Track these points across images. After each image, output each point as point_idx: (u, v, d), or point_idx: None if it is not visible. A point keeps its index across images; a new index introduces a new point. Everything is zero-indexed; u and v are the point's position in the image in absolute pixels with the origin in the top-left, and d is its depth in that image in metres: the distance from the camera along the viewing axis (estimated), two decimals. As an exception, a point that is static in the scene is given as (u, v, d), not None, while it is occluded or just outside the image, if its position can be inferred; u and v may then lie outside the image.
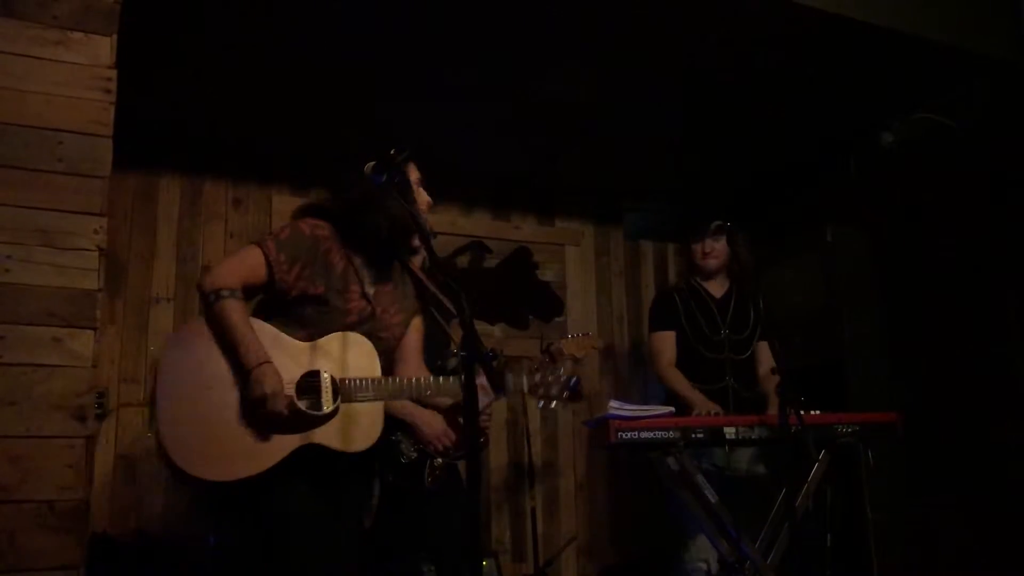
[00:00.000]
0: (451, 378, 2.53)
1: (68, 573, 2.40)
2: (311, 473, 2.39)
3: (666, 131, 4.75)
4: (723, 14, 3.61)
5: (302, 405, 2.36)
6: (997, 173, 4.08)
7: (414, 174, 2.74)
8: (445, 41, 3.77)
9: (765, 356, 3.93)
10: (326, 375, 2.40)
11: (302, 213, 2.68)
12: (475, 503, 2.27)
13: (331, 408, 2.38)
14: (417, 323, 2.80)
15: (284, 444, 2.34)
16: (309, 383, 2.41)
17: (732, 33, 3.75)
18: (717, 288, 4.06)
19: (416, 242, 2.68)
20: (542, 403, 2.68)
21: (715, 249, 3.99)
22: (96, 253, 2.61)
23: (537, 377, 2.69)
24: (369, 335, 2.56)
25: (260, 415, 2.34)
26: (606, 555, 5.20)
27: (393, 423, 3.22)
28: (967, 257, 4.20)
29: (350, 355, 2.47)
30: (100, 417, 4.13)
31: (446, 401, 3.04)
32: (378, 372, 2.52)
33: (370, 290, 2.63)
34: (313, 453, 2.38)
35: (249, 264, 2.49)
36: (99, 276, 2.60)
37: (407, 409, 3.22)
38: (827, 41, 3.82)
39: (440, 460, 3.27)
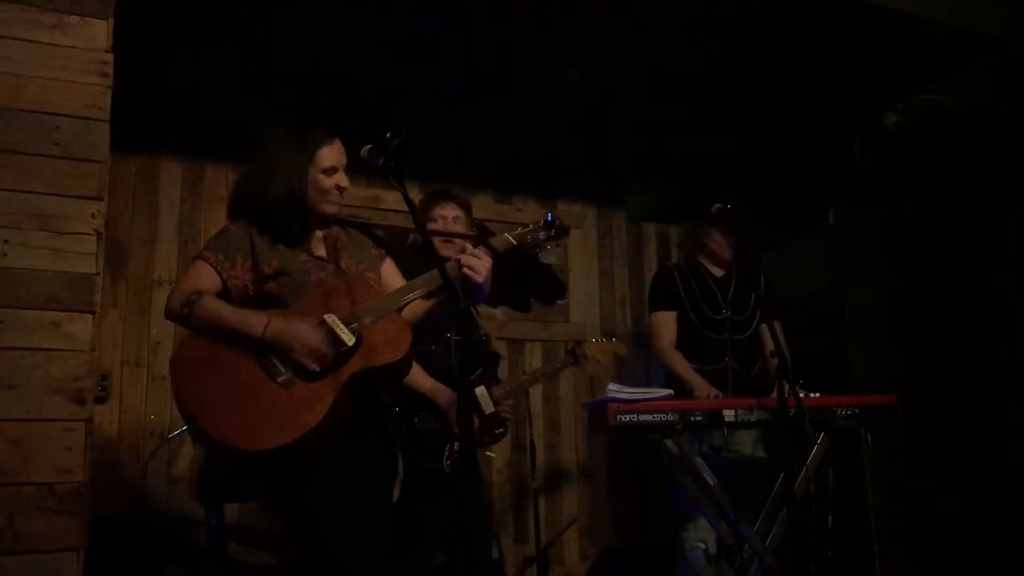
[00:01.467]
0: (431, 273, 2.47)
1: (68, 555, 2.43)
2: (346, 440, 2.38)
3: (668, 113, 4.73)
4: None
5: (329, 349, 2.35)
6: (1000, 154, 4.06)
7: (328, 159, 2.59)
8: (448, 25, 3.76)
9: (768, 337, 3.92)
10: (331, 318, 2.37)
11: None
12: (474, 489, 2.28)
13: (353, 340, 2.36)
14: (389, 265, 2.74)
15: (332, 384, 2.33)
16: (321, 333, 2.38)
17: (735, 14, 3.72)
18: (718, 268, 4.03)
19: (326, 209, 2.58)
20: (537, 252, 2.68)
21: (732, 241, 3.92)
22: (94, 237, 2.63)
23: (518, 231, 2.64)
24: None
25: (298, 369, 2.32)
26: (607, 537, 5.22)
27: (420, 403, 3.25)
28: (969, 239, 4.18)
29: (343, 298, 2.46)
30: (102, 400, 4.17)
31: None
32: (375, 296, 2.50)
33: (319, 252, 2.59)
34: (359, 391, 2.37)
35: (199, 274, 2.45)
36: (97, 260, 2.62)
37: (437, 390, 3.24)
38: (830, 22, 3.79)
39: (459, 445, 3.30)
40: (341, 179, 2.59)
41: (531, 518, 4.38)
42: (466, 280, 2.45)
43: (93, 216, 2.63)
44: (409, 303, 2.49)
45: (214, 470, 3.50)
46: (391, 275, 2.72)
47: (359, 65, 4.04)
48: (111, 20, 2.77)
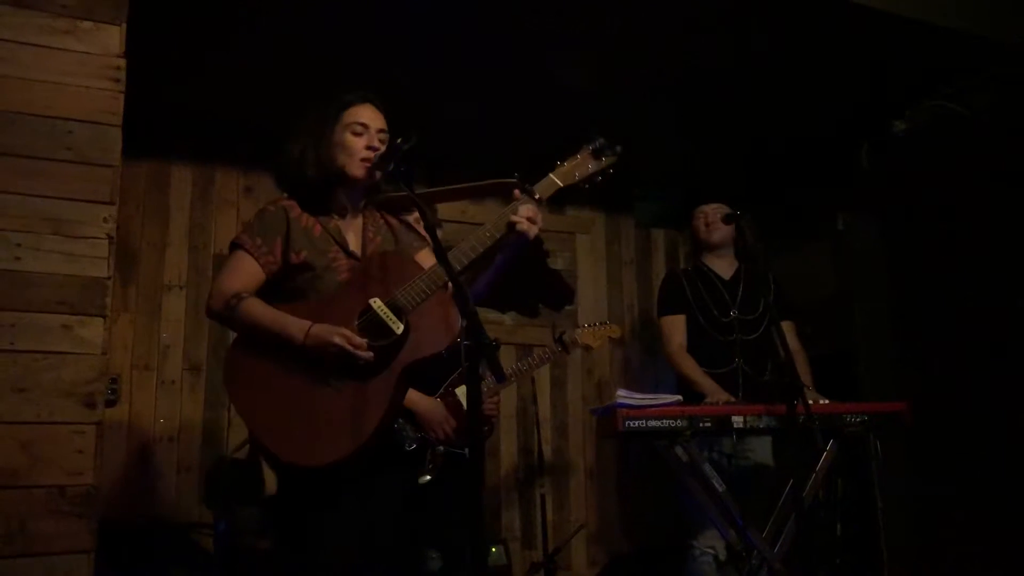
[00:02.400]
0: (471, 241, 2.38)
1: (78, 558, 2.43)
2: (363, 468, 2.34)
3: (677, 119, 4.73)
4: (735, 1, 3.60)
5: (376, 343, 2.27)
6: (1010, 161, 4.05)
7: (355, 116, 2.50)
8: (456, 29, 3.77)
9: (789, 337, 3.89)
10: (377, 303, 2.30)
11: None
12: (478, 490, 2.26)
13: (401, 328, 2.30)
14: (426, 253, 2.61)
15: (386, 381, 2.27)
16: (368, 320, 2.32)
17: (744, 20, 3.73)
18: (726, 269, 4.03)
19: (354, 171, 2.46)
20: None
21: (716, 221, 3.94)
22: (106, 241, 2.63)
23: (563, 166, 2.52)
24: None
25: (346, 371, 2.27)
26: (615, 543, 5.21)
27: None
28: (979, 245, 4.17)
29: (385, 275, 2.38)
30: (112, 403, 4.19)
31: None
32: (418, 269, 2.40)
33: (355, 249, 2.51)
34: (413, 378, 2.32)
35: (239, 268, 2.42)
36: (109, 264, 2.63)
37: (419, 403, 3.23)
38: (839, 28, 3.79)
39: (441, 448, 3.30)
40: (372, 140, 2.47)
41: (539, 524, 4.39)
42: (519, 235, 2.38)
43: (105, 220, 2.64)
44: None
45: (222, 475, 3.52)
46: (427, 261, 2.61)
47: (372, 72, 4.04)
48: (124, 26, 2.79)
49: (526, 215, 2.41)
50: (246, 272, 2.42)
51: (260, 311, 2.35)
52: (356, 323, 2.32)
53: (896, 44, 3.93)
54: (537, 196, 2.45)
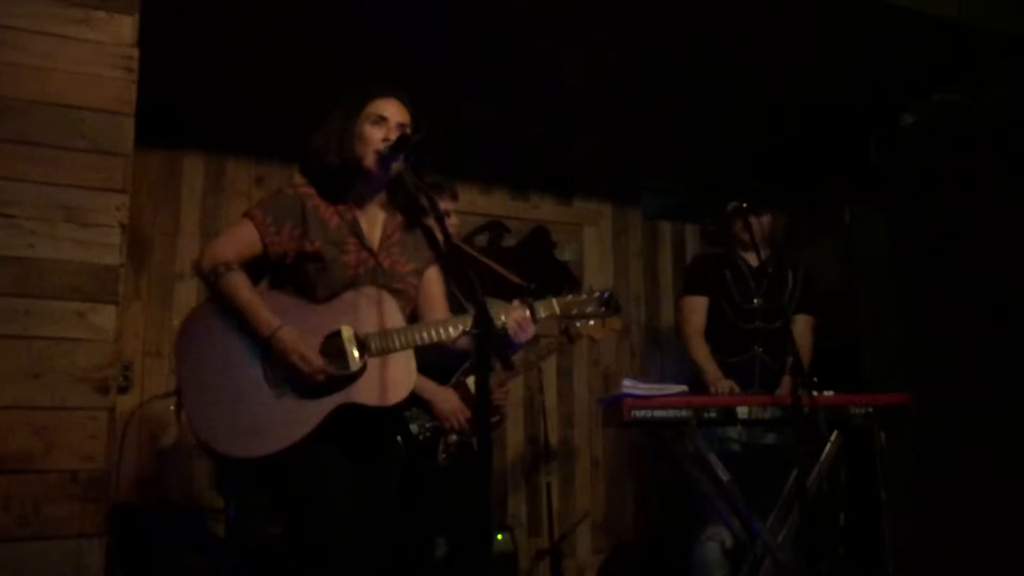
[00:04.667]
0: (467, 316, 2.43)
1: (91, 541, 2.46)
2: (343, 438, 2.36)
3: (685, 113, 4.74)
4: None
5: (330, 368, 2.31)
6: (1018, 154, 4.05)
7: (378, 108, 2.53)
8: (466, 22, 3.79)
9: (804, 331, 3.90)
10: (348, 332, 2.34)
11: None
12: (486, 478, 2.29)
13: (359, 366, 2.32)
14: (434, 272, 2.68)
15: (319, 409, 2.30)
16: (332, 344, 2.35)
17: (751, 13, 3.73)
18: (753, 258, 3.93)
19: (370, 163, 2.48)
20: (579, 323, 2.62)
21: (760, 223, 3.84)
22: (118, 229, 2.65)
23: (568, 298, 2.61)
24: (384, 288, 2.48)
25: (293, 381, 2.31)
26: (620, 531, 5.24)
27: (408, 399, 3.26)
28: (985, 239, 4.17)
29: (369, 309, 2.41)
30: (124, 389, 4.22)
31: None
32: (401, 322, 2.45)
33: (372, 242, 2.53)
34: (347, 415, 2.33)
35: (240, 236, 2.44)
36: (121, 252, 2.64)
37: (422, 384, 3.25)
38: (847, 21, 3.79)
39: (454, 437, 3.32)
40: (390, 133, 2.49)
41: (544, 512, 4.42)
42: (506, 338, 2.48)
43: (117, 209, 2.65)
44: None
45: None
46: (432, 284, 2.68)
47: (383, 63, 4.06)
48: (137, 15, 2.80)
49: (515, 319, 2.51)
50: (245, 242, 2.44)
51: (241, 290, 2.37)
52: (322, 341, 2.36)
53: (905, 37, 3.93)
54: (528, 311, 2.55)
